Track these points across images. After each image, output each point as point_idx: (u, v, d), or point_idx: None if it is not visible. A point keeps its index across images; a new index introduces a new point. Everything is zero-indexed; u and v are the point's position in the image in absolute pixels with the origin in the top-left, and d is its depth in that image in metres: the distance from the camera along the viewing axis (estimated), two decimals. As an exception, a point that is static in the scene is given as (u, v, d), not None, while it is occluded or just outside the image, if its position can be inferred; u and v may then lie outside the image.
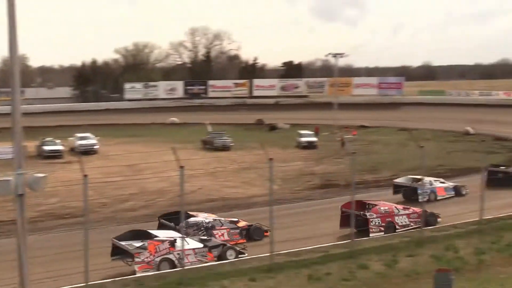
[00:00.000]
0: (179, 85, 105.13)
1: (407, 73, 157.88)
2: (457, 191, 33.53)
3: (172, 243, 19.78)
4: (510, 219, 23.49)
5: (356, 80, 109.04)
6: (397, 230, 24.18)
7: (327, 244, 21.84)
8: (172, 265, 19.48)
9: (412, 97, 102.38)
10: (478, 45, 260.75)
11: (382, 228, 24.12)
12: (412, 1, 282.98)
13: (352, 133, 64.13)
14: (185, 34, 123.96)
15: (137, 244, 19.34)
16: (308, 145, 56.89)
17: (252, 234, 23.89)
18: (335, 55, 74.78)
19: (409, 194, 31.41)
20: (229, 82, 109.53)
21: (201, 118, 76.31)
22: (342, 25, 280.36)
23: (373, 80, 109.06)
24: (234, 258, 20.38)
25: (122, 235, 20.37)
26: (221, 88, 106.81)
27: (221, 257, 20.42)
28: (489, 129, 67.44)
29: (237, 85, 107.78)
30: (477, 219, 23.20)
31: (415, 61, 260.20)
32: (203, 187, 36.99)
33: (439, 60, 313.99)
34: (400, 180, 33.85)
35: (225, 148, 55.86)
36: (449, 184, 34.21)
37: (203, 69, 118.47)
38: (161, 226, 23.54)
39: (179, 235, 20.00)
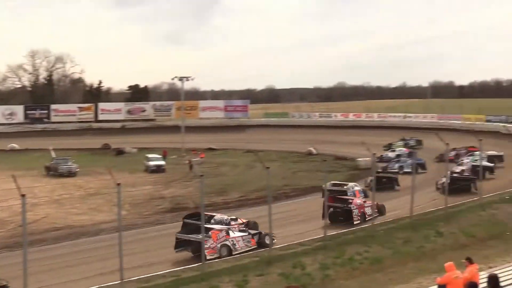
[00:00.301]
0: (19, 110, 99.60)
1: (252, 96, 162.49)
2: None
3: (227, 231, 24.89)
4: (351, 234, 24.77)
5: (203, 103, 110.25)
6: (366, 219, 28.97)
7: (179, 268, 21.72)
8: (229, 249, 24.33)
9: (258, 120, 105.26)
10: (317, 70, 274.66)
11: (359, 218, 28.89)
12: (255, 26, 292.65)
13: (200, 156, 64.54)
14: (24, 57, 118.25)
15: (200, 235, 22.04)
16: (157, 169, 56.41)
17: (252, 227, 27.20)
18: (181, 79, 75.17)
19: None
20: (73, 106, 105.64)
21: (44, 143, 72.74)
22: (188, 48, 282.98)
23: (220, 103, 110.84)
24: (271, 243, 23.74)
25: (182, 230, 25.02)
26: (64, 112, 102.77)
27: (260, 242, 25.01)
28: (329, 149, 71.10)
29: (81, 109, 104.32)
30: (321, 235, 24.26)
31: (259, 85, 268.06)
32: (47, 215, 35.32)
33: (281, 83, 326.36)
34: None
35: (70, 174, 53.93)
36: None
37: (45, 92, 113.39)
38: (185, 225, 25.91)
39: (226, 227, 25.43)
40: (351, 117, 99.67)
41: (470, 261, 15.09)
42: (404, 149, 60.56)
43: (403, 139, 70.63)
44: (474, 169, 40.74)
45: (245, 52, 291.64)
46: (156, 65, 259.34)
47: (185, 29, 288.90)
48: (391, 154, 56.72)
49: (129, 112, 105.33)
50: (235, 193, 43.25)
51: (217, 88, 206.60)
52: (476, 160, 44.22)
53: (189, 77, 75.56)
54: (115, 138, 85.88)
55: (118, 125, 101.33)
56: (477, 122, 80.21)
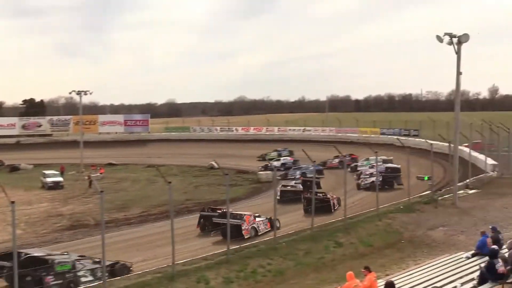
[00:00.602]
0: None
1: (152, 110, 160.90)
2: None
3: (254, 216, 31.50)
4: (253, 247, 24.96)
5: (102, 117, 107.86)
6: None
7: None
8: (255, 231, 30.75)
9: (158, 134, 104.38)
10: (217, 84, 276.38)
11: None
12: (155, 41, 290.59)
13: (100, 171, 63.06)
14: None
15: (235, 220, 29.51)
16: (54, 185, 54.38)
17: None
18: (79, 93, 73.07)
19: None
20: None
21: None
22: (86, 62, 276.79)
23: (119, 117, 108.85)
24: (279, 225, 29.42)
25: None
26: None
27: (272, 224, 29.39)
28: (231, 163, 71.39)
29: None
30: (224, 249, 24.27)
31: (159, 99, 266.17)
32: None
33: (182, 97, 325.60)
34: None
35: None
36: None
37: None
38: (201, 218, 33.29)
39: (250, 212, 32.39)
40: (252, 131, 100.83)
41: (368, 269, 15.66)
42: (288, 157, 69.72)
43: (276, 150, 75.67)
44: (386, 171, 47.85)
45: (145, 66, 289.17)
46: (52, 78, 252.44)
47: (83, 42, 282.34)
48: (276, 163, 58.06)
49: (24, 127, 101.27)
50: (136, 209, 42.52)
51: (116, 102, 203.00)
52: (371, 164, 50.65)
53: (87, 91, 73.56)
54: (9, 154, 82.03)
55: (12, 140, 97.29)
56: (372, 135, 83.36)
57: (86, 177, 59.62)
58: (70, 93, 75.28)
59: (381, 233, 27.58)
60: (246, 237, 29.42)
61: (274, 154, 73.18)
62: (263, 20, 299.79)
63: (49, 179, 55.14)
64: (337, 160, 59.68)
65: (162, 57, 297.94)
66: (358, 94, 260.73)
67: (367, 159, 56.66)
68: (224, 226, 26.99)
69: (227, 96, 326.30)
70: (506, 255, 16.00)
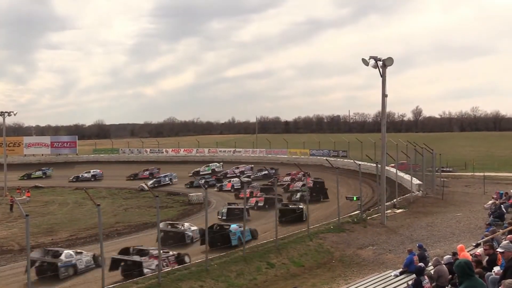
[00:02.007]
0: None
1: (80, 132, 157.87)
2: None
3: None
4: (185, 270, 24.70)
5: (27, 139, 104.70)
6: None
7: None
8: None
9: (87, 156, 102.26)
10: (147, 106, 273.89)
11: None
12: (81, 62, 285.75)
13: (26, 195, 61.06)
14: None
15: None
16: (-24, 210, 52.23)
17: None
18: (3, 113, 70.71)
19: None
20: None
21: None
22: (9, 82, 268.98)
23: (46, 139, 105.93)
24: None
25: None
26: None
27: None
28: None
29: None
30: (156, 272, 23.93)
31: (87, 120, 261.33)
32: None
33: (111, 119, 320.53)
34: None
35: None
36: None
37: None
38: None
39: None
40: (182, 152, 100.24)
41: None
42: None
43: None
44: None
45: (72, 87, 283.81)
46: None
47: (5, 62, 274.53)
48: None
49: None
50: (64, 232, 41.37)
51: (42, 123, 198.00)
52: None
53: (11, 111, 71.37)
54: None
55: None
56: (302, 156, 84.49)
57: (9, 201, 57.73)
58: (-7, 113, 72.76)
59: (312, 253, 27.87)
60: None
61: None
62: (189, 42, 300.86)
63: (-30, 203, 52.88)
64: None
65: (89, 78, 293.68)
66: (287, 116, 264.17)
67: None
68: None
69: (156, 117, 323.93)
70: (432, 272, 16.48)
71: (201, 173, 78.66)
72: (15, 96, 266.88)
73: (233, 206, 44.18)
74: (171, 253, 27.91)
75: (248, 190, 52.98)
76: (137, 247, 28.55)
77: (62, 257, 27.39)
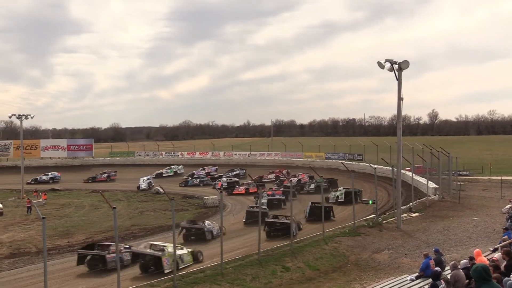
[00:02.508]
0: None
1: (96, 135, 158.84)
2: None
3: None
4: (200, 273, 24.72)
5: (44, 142, 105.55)
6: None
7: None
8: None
9: (103, 159, 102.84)
10: (162, 109, 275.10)
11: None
12: (97, 65, 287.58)
13: (42, 197, 61.51)
14: None
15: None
16: (-7, 212, 52.65)
17: None
18: (20, 117, 71.33)
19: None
20: None
21: None
22: (26, 86, 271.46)
23: (62, 142, 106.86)
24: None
25: None
26: None
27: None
28: (176, 187, 71.10)
29: None
30: (171, 275, 23.97)
31: (103, 123, 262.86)
32: None
33: (126, 122, 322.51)
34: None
35: None
36: None
37: None
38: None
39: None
40: (198, 155, 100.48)
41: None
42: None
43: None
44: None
45: (88, 90, 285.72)
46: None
47: (22, 66, 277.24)
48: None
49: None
50: (80, 235, 41.54)
51: (59, 126, 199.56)
52: None
53: (28, 115, 71.91)
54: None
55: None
56: (317, 160, 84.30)
57: (27, 204, 58.21)
58: (10, 117, 73.60)
59: (328, 257, 27.78)
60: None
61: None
62: (204, 46, 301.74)
63: (-13, 206, 53.33)
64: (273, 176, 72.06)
65: (105, 81, 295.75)
66: (303, 119, 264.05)
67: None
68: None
69: (172, 120, 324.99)
70: (448, 276, 16.35)
71: (163, 175, 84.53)
72: (32, 100, 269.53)
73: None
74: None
75: (243, 187, 64.05)
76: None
77: (206, 224, 37.17)
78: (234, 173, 79.58)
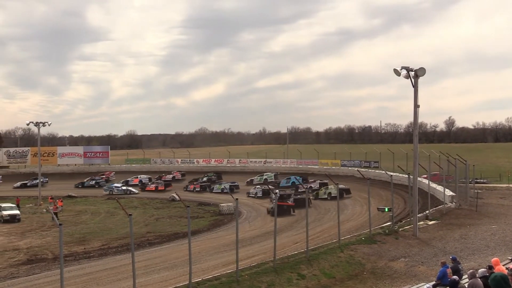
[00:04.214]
0: None
1: (112, 142, 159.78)
2: None
3: None
4: (215, 280, 24.70)
5: (61, 149, 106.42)
6: None
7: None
8: None
9: (119, 166, 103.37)
10: (178, 116, 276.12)
11: None
12: (112, 72, 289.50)
13: (58, 204, 61.87)
14: None
15: None
16: (11, 218, 52.90)
17: None
18: (37, 124, 71.95)
19: None
20: None
21: None
22: (44, 93, 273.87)
23: (79, 149, 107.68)
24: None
25: None
26: None
27: None
28: (192, 194, 71.22)
29: None
30: (186, 283, 23.95)
31: (119, 131, 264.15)
32: None
33: (142, 129, 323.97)
34: None
35: None
36: None
37: None
38: None
39: None
40: (213, 162, 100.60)
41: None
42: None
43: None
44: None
45: (105, 97, 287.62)
46: (9, 109, 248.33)
47: (40, 73, 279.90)
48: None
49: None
50: (96, 242, 41.71)
51: (75, 133, 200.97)
52: None
53: (46, 122, 72.48)
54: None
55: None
56: (333, 167, 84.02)
57: (44, 210, 58.66)
58: (27, 124, 74.17)
59: (343, 264, 27.64)
60: None
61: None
62: (220, 53, 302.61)
63: (5, 212, 53.69)
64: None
65: (121, 89, 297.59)
66: (318, 126, 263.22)
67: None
68: None
69: (187, 128, 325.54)
70: (466, 285, 16.19)
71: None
72: (49, 107, 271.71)
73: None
74: None
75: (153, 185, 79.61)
76: None
77: None
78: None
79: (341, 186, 57.60)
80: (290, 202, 52.44)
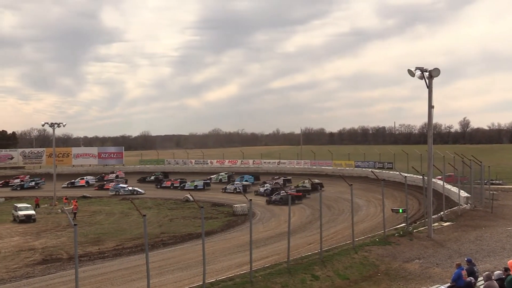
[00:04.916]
0: None
1: (126, 143, 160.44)
2: None
3: None
4: (229, 281, 24.72)
5: (76, 150, 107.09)
6: None
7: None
8: None
9: (133, 166, 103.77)
10: (192, 117, 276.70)
11: None
12: (127, 73, 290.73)
13: (73, 204, 62.20)
14: None
15: None
16: (26, 218, 53.23)
17: None
18: (52, 125, 72.32)
19: None
20: None
21: None
22: (58, 94, 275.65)
23: (93, 150, 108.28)
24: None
25: None
26: None
27: None
28: (206, 195, 71.26)
29: None
30: (200, 283, 23.99)
31: (133, 131, 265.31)
32: None
33: (156, 130, 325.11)
34: None
35: None
36: None
37: None
38: None
39: None
40: (227, 163, 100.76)
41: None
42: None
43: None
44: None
45: (119, 98, 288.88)
46: (24, 110, 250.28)
47: (55, 74, 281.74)
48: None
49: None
50: (110, 242, 41.89)
51: (90, 134, 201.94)
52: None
53: (61, 123, 72.83)
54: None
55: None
56: (347, 168, 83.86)
57: (59, 210, 59.02)
58: (42, 125, 74.61)
59: (357, 266, 27.54)
60: None
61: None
62: (234, 54, 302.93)
63: (21, 212, 54.03)
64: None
65: (135, 90, 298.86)
66: (332, 127, 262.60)
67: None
68: None
69: (201, 129, 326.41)
70: (482, 287, 16.10)
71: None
72: (64, 108, 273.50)
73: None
74: None
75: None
76: None
77: None
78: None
79: (315, 180, 68.61)
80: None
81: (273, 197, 62.37)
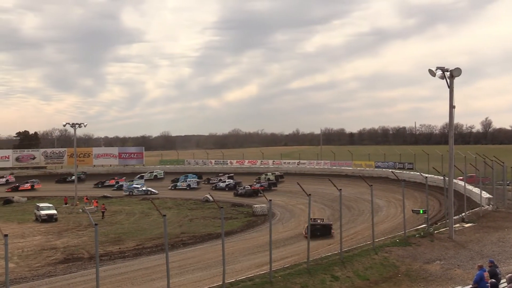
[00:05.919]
0: None
1: (147, 143, 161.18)
2: None
3: None
4: (249, 281, 24.74)
5: (96, 150, 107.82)
6: None
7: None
8: None
9: (153, 167, 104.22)
10: (212, 117, 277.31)
11: None
12: (147, 74, 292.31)
13: (94, 204, 62.73)
14: None
15: None
16: (48, 218, 53.81)
17: None
18: (74, 125, 72.88)
19: None
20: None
21: None
22: (79, 95, 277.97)
23: (114, 150, 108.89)
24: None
25: None
26: None
27: None
28: (226, 196, 71.33)
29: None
30: (220, 283, 24.04)
31: (154, 132, 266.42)
32: None
33: (176, 130, 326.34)
34: None
35: (-49, 225, 50.84)
36: None
37: None
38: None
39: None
40: (247, 163, 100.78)
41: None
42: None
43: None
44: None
45: (139, 99, 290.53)
46: (46, 111, 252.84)
47: (76, 75, 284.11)
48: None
49: (17, 159, 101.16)
50: (131, 242, 42.16)
51: (111, 135, 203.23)
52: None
53: (82, 123, 73.38)
54: (2, 186, 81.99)
55: (6, 172, 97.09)
56: (367, 168, 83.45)
57: (80, 210, 59.53)
58: (64, 125, 75.22)
59: (378, 266, 27.40)
60: None
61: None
62: (253, 54, 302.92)
63: (43, 212, 54.64)
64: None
65: (155, 90, 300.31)
66: (352, 128, 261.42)
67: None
68: None
69: (221, 129, 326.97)
70: (504, 289, 15.94)
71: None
72: (85, 108, 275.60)
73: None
74: None
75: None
76: None
77: None
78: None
79: (277, 173, 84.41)
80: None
81: (239, 191, 72.02)
